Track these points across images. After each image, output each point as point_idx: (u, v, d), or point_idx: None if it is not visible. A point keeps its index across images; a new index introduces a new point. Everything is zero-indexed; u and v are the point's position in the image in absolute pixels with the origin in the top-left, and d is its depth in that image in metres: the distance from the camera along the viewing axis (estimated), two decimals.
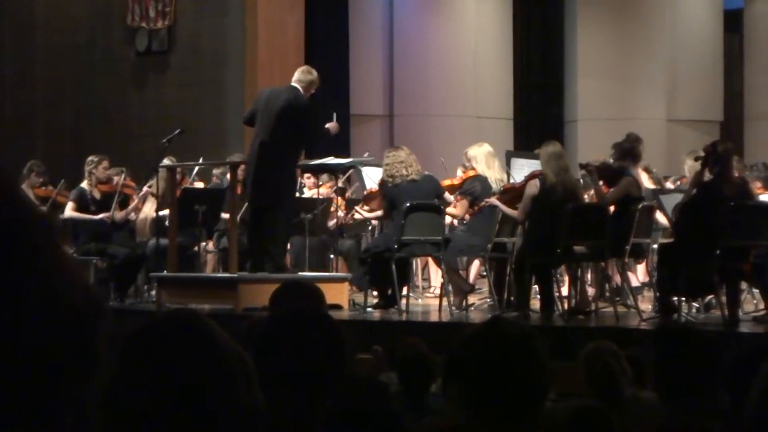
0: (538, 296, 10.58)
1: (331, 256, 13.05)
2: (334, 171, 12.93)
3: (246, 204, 11.43)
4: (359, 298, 11.48)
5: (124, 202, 12.84)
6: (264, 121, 11.01)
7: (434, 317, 11.17)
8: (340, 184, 13.34)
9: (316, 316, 3.08)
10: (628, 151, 11.00)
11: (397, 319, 10.67)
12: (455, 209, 11.50)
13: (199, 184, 13.82)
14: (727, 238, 9.46)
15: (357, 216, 13.12)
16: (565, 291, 10.89)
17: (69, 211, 12.55)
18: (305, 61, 14.39)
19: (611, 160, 11.00)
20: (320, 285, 4.98)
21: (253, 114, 11.24)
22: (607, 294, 11.22)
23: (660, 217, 11.49)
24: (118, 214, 12.68)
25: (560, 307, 10.40)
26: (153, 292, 12.11)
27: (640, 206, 10.47)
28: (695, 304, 10.49)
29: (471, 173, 11.51)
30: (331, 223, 13.16)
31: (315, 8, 17.24)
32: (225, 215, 12.09)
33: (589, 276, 11.47)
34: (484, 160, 11.59)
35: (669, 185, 13.15)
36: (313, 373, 2.86)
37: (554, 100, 19.68)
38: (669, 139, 18.29)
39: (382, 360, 6.92)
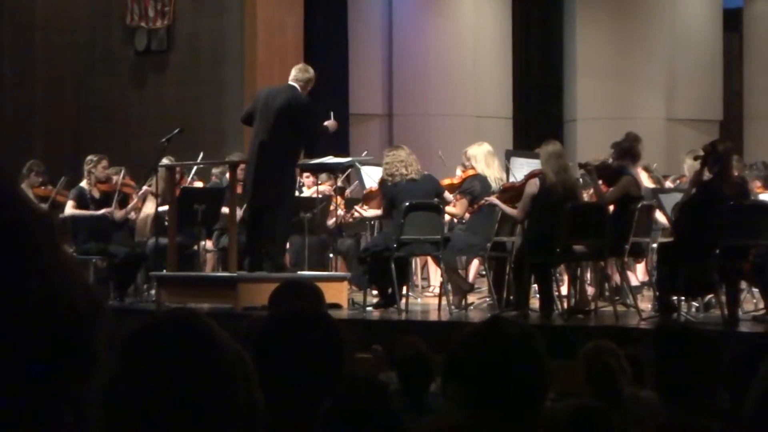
0: (538, 295, 10.58)
1: (331, 255, 13.04)
2: (333, 170, 12.92)
3: (246, 203, 11.44)
4: (359, 297, 11.47)
5: (123, 201, 12.84)
6: (263, 121, 11.00)
7: (434, 316, 11.17)
8: (339, 183, 13.34)
9: (315, 316, 3.08)
10: (628, 150, 11.00)
11: (397, 319, 10.67)
12: (455, 208, 11.50)
13: (199, 184, 13.81)
14: (727, 237, 9.46)
15: (356, 215, 13.12)
16: (564, 290, 10.89)
17: (69, 209, 12.55)
18: (304, 60, 14.36)
19: (610, 160, 11.00)
20: (319, 284, 4.98)
21: (251, 113, 11.24)
22: (607, 293, 11.23)
23: (659, 217, 11.49)
24: (118, 213, 12.69)
25: (560, 307, 10.40)
26: (152, 292, 12.12)
27: (639, 205, 10.47)
28: (695, 304, 10.49)
29: (470, 172, 11.51)
30: (331, 222, 13.16)
31: (314, 8, 17.23)
32: (225, 209, 12.08)
33: (588, 275, 11.47)
34: (483, 159, 11.59)
35: (668, 184, 13.14)
36: (312, 372, 2.86)
37: (554, 100, 19.68)
38: (668, 138, 18.28)
39: (382, 359, 6.91)
